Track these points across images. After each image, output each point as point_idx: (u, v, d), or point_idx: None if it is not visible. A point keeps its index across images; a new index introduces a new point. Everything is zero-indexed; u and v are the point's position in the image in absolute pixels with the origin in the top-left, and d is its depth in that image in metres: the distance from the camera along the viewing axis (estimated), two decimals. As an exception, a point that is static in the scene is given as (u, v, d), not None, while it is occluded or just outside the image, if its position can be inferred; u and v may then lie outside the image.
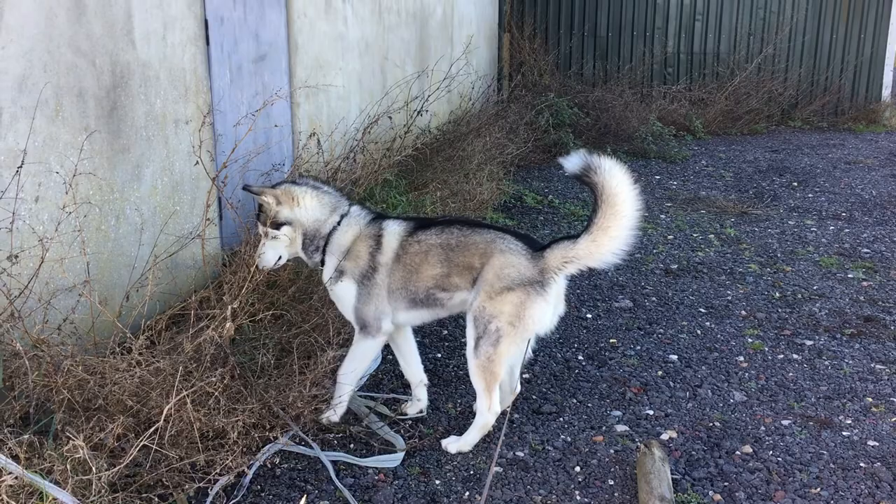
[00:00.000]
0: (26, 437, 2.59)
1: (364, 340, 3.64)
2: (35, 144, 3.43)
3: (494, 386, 3.46)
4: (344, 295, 3.64)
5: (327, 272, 3.67)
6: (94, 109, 3.80)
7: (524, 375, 4.28)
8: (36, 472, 2.48)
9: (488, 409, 3.49)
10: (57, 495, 2.37)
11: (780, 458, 3.52)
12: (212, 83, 4.79)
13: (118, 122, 3.98)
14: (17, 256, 3.14)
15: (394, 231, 3.62)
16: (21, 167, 3.29)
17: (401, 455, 3.47)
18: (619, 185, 3.33)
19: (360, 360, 3.67)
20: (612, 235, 3.35)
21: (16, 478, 2.40)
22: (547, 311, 3.44)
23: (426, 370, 3.97)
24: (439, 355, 4.51)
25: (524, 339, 3.42)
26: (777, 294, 5.43)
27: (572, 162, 3.41)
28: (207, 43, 4.72)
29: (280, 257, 3.74)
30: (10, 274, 3.15)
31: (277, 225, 3.65)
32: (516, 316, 3.37)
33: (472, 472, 3.41)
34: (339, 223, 3.66)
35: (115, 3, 3.91)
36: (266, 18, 5.43)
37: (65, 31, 3.59)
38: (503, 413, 3.61)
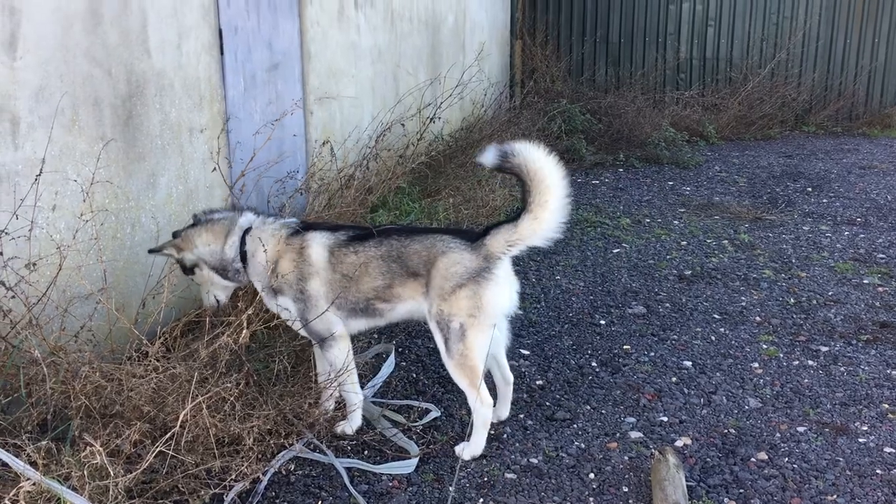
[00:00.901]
0: (44, 443, 2.62)
1: (328, 350, 3.65)
2: (52, 153, 3.47)
3: (478, 380, 3.49)
4: (285, 314, 3.66)
5: (263, 294, 3.68)
6: (109, 118, 3.83)
7: (537, 382, 4.28)
8: (53, 478, 2.50)
9: (481, 403, 3.50)
10: (74, 501, 2.39)
11: (795, 465, 3.50)
12: (226, 92, 4.83)
13: (134, 130, 4.01)
14: (35, 264, 3.17)
15: (320, 241, 3.62)
16: (39, 175, 3.33)
17: (415, 461, 3.48)
18: (539, 160, 3.40)
19: (342, 364, 3.64)
20: (551, 208, 3.42)
21: (34, 484, 2.42)
22: (502, 294, 3.49)
23: (438, 377, 3.98)
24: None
25: (489, 325, 3.45)
26: (792, 300, 5.40)
27: (488, 155, 3.47)
28: (222, 52, 4.76)
29: (216, 297, 3.80)
30: (28, 282, 3.19)
31: (190, 270, 3.73)
32: (475, 307, 3.42)
33: (486, 479, 3.41)
34: (243, 239, 3.66)
35: (131, 13, 3.95)
36: (279, 27, 5.47)
37: (81, 42, 3.63)
38: (508, 417, 3.61)
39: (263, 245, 3.60)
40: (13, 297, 3.09)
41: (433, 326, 3.51)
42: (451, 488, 3.28)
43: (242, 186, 4.49)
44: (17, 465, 2.40)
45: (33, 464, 2.54)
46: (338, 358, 3.64)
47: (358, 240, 3.63)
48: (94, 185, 3.66)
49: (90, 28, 3.68)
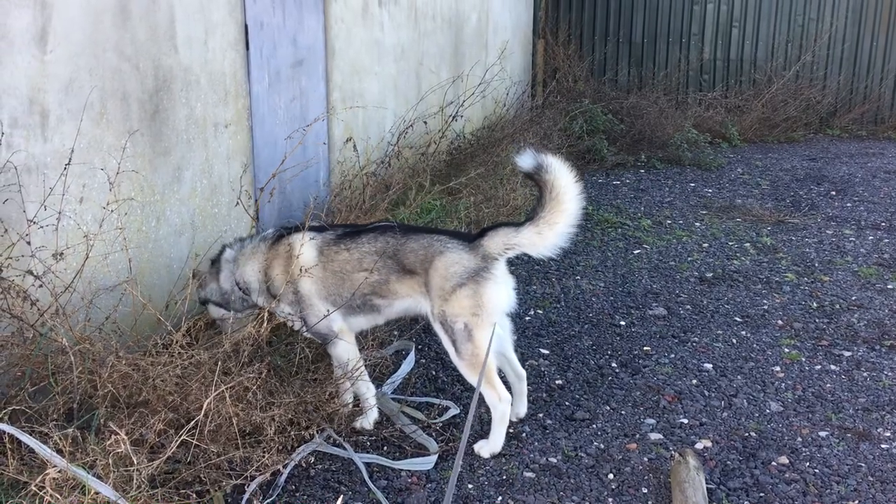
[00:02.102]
0: (70, 430, 2.65)
1: (333, 348, 3.71)
2: (80, 146, 3.51)
3: (492, 377, 3.53)
4: (287, 317, 3.73)
5: (272, 308, 3.73)
6: (137, 112, 3.87)
7: (557, 381, 4.27)
8: (79, 465, 2.53)
9: (498, 399, 3.52)
10: (99, 489, 2.41)
11: (817, 470, 3.48)
12: (251, 87, 4.86)
13: (160, 125, 4.05)
14: (62, 254, 3.21)
15: (305, 242, 3.67)
16: (68, 166, 3.37)
17: (434, 458, 3.49)
18: (567, 184, 3.45)
19: (351, 360, 3.69)
20: (558, 231, 3.47)
21: (60, 471, 2.45)
22: (502, 292, 3.53)
23: (458, 375, 3.98)
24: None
25: (492, 323, 3.46)
26: (815, 304, 5.36)
27: (526, 159, 3.49)
28: (247, 48, 4.79)
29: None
30: (55, 273, 3.22)
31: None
32: (477, 306, 3.45)
33: (504, 477, 3.41)
34: (233, 268, 3.81)
35: (159, 9, 3.98)
36: (304, 24, 5.50)
37: (110, 36, 3.67)
38: (527, 416, 3.61)
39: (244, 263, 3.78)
40: (41, 286, 3.13)
41: (438, 328, 3.55)
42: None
43: (272, 191, 4.50)
44: (45, 451, 2.44)
45: (59, 451, 2.57)
46: (342, 355, 3.70)
47: (349, 236, 3.70)
48: (121, 177, 3.70)
49: (119, 23, 3.72)
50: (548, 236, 3.47)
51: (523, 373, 3.84)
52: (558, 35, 12.18)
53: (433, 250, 3.54)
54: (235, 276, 3.81)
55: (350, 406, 3.75)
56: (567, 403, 4.05)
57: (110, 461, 2.60)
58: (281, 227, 3.97)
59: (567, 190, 3.45)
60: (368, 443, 3.64)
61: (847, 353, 4.62)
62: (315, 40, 5.67)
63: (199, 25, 4.30)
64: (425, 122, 7.10)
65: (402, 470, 3.43)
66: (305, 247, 3.66)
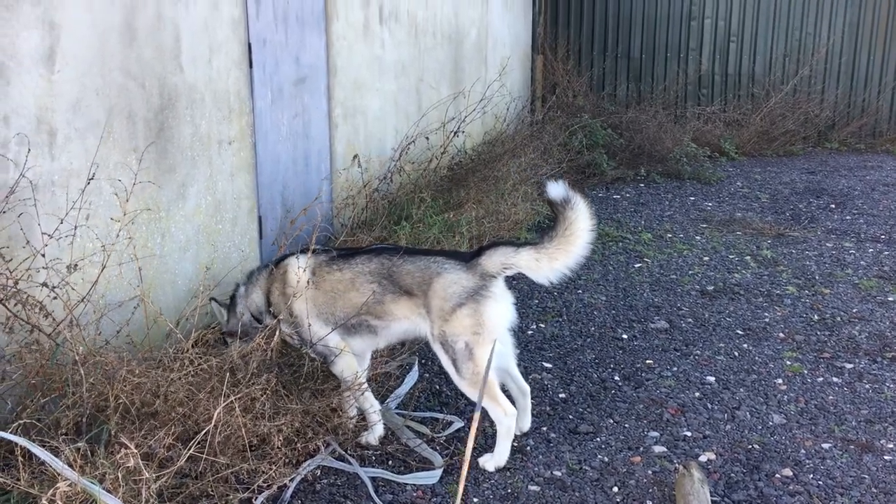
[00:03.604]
0: (81, 444, 2.67)
1: (333, 366, 3.74)
2: (87, 164, 3.54)
3: (495, 392, 3.54)
4: (289, 338, 3.79)
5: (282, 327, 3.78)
6: (142, 131, 3.91)
7: (560, 395, 4.29)
8: (90, 479, 2.55)
9: (504, 414, 3.54)
10: (109, 502, 2.43)
11: (820, 482, 3.49)
12: (254, 104, 4.90)
13: (165, 142, 4.09)
14: (76, 266, 3.25)
15: (299, 263, 3.73)
16: (88, 183, 3.41)
17: (439, 472, 3.50)
18: (581, 229, 3.50)
19: (348, 377, 3.72)
20: (554, 267, 3.51)
21: (70, 485, 2.47)
22: (502, 309, 3.56)
23: (459, 390, 3.99)
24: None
25: (492, 340, 3.47)
26: (816, 317, 5.38)
27: (557, 190, 3.52)
28: (251, 66, 4.84)
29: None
30: (71, 285, 3.25)
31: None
32: (477, 325, 3.48)
33: (509, 491, 3.43)
34: (245, 298, 3.91)
35: (165, 28, 4.03)
36: (306, 42, 5.55)
37: (117, 55, 3.72)
38: (531, 430, 3.62)
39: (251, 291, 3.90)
40: (55, 298, 3.16)
41: (437, 349, 3.56)
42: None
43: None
44: (57, 464, 2.46)
45: (70, 465, 2.59)
46: (343, 372, 3.73)
47: (343, 258, 3.74)
48: (126, 195, 3.73)
49: (126, 42, 3.77)
50: (543, 267, 3.50)
51: (527, 388, 3.86)
52: (557, 51, 12.26)
53: (430, 272, 3.56)
54: (250, 308, 3.88)
55: (355, 420, 3.77)
56: (571, 417, 4.07)
57: (120, 475, 2.62)
58: (285, 253, 4.03)
59: (580, 234, 3.48)
60: (373, 457, 3.65)
61: (849, 366, 4.64)
62: (317, 58, 5.73)
63: (204, 44, 4.35)
64: (427, 138, 7.15)
65: (407, 484, 3.45)
66: (298, 268, 3.71)
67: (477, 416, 2.30)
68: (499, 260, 3.52)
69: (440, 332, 3.51)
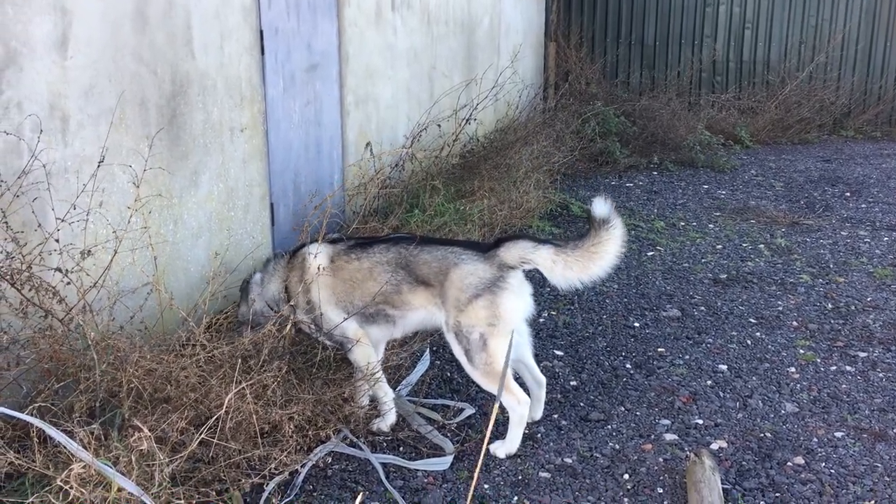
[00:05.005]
0: (95, 426, 2.70)
1: (349, 353, 3.74)
2: (100, 151, 3.56)
3: (509, 381, 3.55)
4: (305, 326, 3.78)
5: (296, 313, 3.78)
6: (155, 117, 3.92)
7: (571, 383, 4.29)
8: (104, 461, 2.57)
9: (517, 402, 3.54)
10: (123, 485, 2.45)
11: (832, 470, 3.48)
12: (266, 92, 4.90)
13: (177, 129, 4.10)
14: (89, 252, 3.27)
15: (317, 251, 3.72)
16: (98, 167, 3.42)
17: (449, 459, 3.51)
18: (611, 251, 3.48)
19: (368, 364, 3.72)
20: (568, 276, 3.51)
21: (84, 467, 2.50)
22: (519, 301, 3.54)
23: (470, 377, 4.00)
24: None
25: (508, 332, 3.45)
26: (830, 305, 5.35)
27: (601, 209, 3.49)
28: (262, 52, 4.84)
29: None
30: (85, 270, 3.27)
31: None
32: (493, 316, 3.46)
33: (520, 478, 3.43)
34: (260, 289, 3.90)
35: (176, 15, 4.03)
36: (318, 29, 5.54)
37: (129, 42, 3.72)
38: (542, 417, 3.62)
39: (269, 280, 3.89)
40: (68, 283, 3.18)
41: (451, 338, 3.56)
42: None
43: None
44: (72, 446, 2.48)
45: (84, 447, 2.62)
46: (359, 360, 3.73)
47: (361, 247, 3.74)
48: (139, 181, 3.75)
49: (138, 29, 3.77)
50: (557, 270, 3.49)
51: (543, 379, 3.85)
52: (570, 38, 12.19)
53: (448, 262, 3.55)
54: (265, 296, 3.88)
55: (366, 408, 3.78)
56: (582, 404, 4.06)
57: (133, 458, 2.64)
58: (302, 241, 4.03)
59: (604, 256, 3.47)
60: (384, 443, 3.66)
61: (862, 354, 4.61)
62: (329, 45, 5.72)
63: (216, 31, 4.35)
64: (439, 126, 7.13)
65: (418, 470, 3.46)
66: (317, 256, 3.70)
67: (495, 409, 2.30)
68: (517, 253, 3.50)
69: (455, 322, 3.50)
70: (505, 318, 3.47)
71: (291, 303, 3.72)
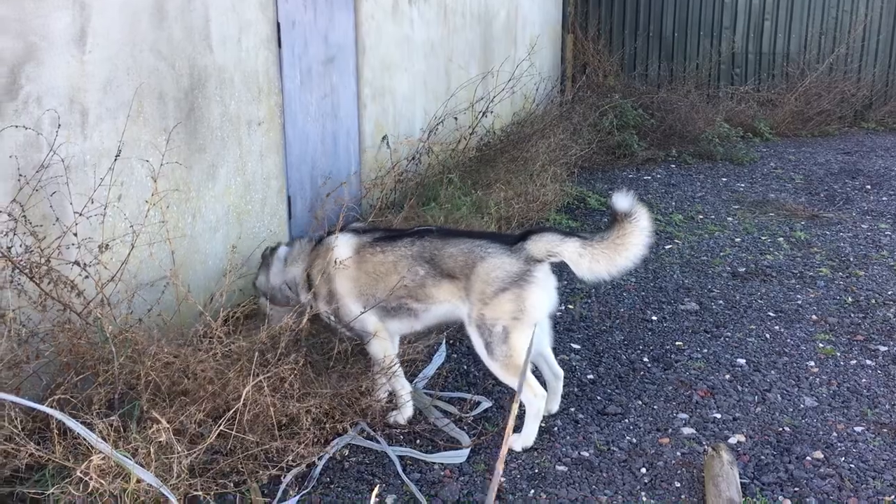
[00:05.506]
0: (114, 417, 2.72)
1: (369, 346, 3.74)
2: (118, 144, 3.58)
3: (523, 372, 3.51)
4: (325, 315, 3.77)
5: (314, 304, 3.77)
6: (173, 111, 3.94)
7: (588, 376, 4.27)
8: (123, 452, 2.59)
9: (534, 395, 3.53)
10: (142, 476, 2.48)
11: (852, 465, 3.45)
12: (283, 85, 4.91)
13: (195, 123, 4.11)
14: (107, 246, 3.29)
15: (341, 243, 3.71)
16: (115, 160, 3.45)
17: (466, 452, 3.51)
18: (637, 243, 3.46)
19: (387, 358, 3.72)
20: (595, 269, 3.48)
21: (104, 458, 2.52)
22: (544, 295, 3.52)
23: (486, 370, 3.99)
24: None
25: (531, 326, 3.44)
26: (850, 299, 5.30)
27: (623, 202, 3.48)
28: (279, 46, 4.84)
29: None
30: (104, 264, 3.29)
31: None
32: (517, 310, 3.44)
33: (536, 471, 3.43)
34: (283, 268, 3.89)
35: (194, 9, 4.04)
36: (335, 21, 5.54)
37: (147, 36, 3.74)
38: (559, 410, 3.61)
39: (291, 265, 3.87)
40: (86, 277, 3.20)
41: (472, 331, 3.54)
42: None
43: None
44: (91, 437, 2.50)
45: (103, 439, 2.64)
46: (378, 353, 3.72)
47: (387, 240, 3.71)
48: (157, 175, 3.77)
49: (156, 23, 3.79)
50: (583, 264, 3.47)
51: (560, 372, 3.84)
52: (588, 30, 12.12)
53: (474, 256, 3.52)
54: (286, 276, 3.88)
55: (384, 401, 3.78)
56: (599, 398, 4.05)
57: (152, 449, 2.66)
58: (329, 230, 4.02)
59: (630, 248, 3.45)
60: (401, 436, 3.67)
61: (883, 348, 4.56)
62: (346, 37, 5.72)
63: (233, 24, 4.36)
64: (455, 118, 7.12)
65: (434, 463, 3.46)
66: (342, 247, 3.69)
67: (516, 403, 2.30)
68: (545, 246, 3.48)
69: (479, 315, 3.48)
70: (530, 312, 3.46)
71: (312, 291, 3.71)
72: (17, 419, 2.64)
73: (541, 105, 9.53)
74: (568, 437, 3.69)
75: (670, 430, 3.74)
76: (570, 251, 3.47)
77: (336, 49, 5.59)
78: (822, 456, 3.52)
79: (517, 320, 3.44)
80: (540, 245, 3.49)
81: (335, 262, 3.67)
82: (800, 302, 5.26)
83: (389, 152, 6.22)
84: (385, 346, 3.72)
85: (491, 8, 8.75)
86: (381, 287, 3.64)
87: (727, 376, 4.26)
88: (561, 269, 5.81)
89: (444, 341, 4.44)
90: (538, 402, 3.54)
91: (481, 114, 7.36)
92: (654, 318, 5.05)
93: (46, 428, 2.80)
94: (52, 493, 2.62)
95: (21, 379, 2.94)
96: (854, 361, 4.41)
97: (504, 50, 9.17)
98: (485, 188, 6.58)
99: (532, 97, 9.35)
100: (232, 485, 2.99)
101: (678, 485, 3.33)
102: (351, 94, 5.84)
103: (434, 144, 6.69)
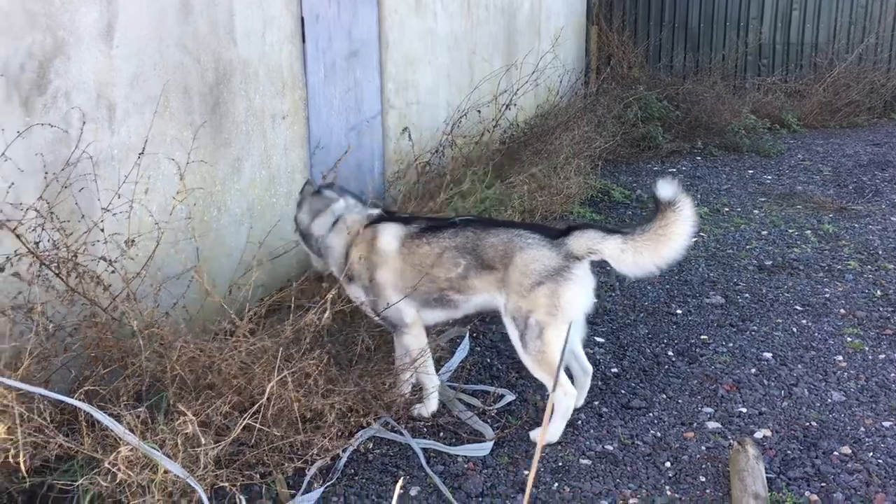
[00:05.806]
0: (142, 409, 2.76)
1: (402, 336, 3.72)
2: (145, 139, 3.61)
3: (558, 371, 3.49)
4: (357, 300, 3.74)
5: (341, 281, 3.75)
6: (198, 105, 3.97)
7: (612, 370, 4.26)
8: (150, 444, 2.63)
9: (564, 394, 3.52)
10: (169, 467, 2.51)
11: (880, 460, 3.41)
12: (307, 79, 4.93)
13: (220, 117, 4.14)
14: (133, 241, 3.32)
15: (389, 232, 3.66)
16: (140, 156, 3.48)
17: (490, 444, 3.52)
18: (681, 232, 3.39)
19: (415, 350, 3.69)
20: (640, 262, 3.42)
21: (131, 449, 2.55)
22: (581, 294, 3.47)
23: (513, 363, 4.00)
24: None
25: (565, 323, 3.41)
26: (879, 292, 5.23)
27: (666, 190, 3.42)
28: (303, 40, 4.86)
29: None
30: (130, 257, 3.33)
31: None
32: (553, 305, 3.41)
33: (560, 464, 3.43)
34: (332, 226, 3.79)
35: (219, 4, 4.07)
36: (359, 16, 5.55)
37: (173, 31, 3.77)
38: (583, 405, 3.60)
39: (336, 234, 3.78)
40: (113, 272, 3.24)
41: (508, 321, 3.53)
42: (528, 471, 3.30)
43: (334, 177, 4.56)
44: (118, 429, 2.54)
45: (131, 431, 2.68)
46: (411, 345, 3.70)
47: (431, 230, 3.66)
48: (184, 170, 3.80)
49: (181, 18, 3.81)
50: (626, 259, 3.41)
51: (590, 368, 3.83)
52: (612, 21, 12.04)
53: (514, 245, 3.50)
54: (327, 241, 3.80)
55: (407, 395, 3.79)
56: (623, 392, 4.04)
57: (179, 441, 2.69)
58: (384, 209, 3.96)
59: (674, 238, 3.38)
60: (425, 429, 3.68)
61: (913, 343, 4.51)
62: (369, 32, 5.72)
63: (257, 19, 4.38)
64: (479, 111, 7.10)
65: (458, 456, 3.47)
66: (389, 239, 3.66)
67: (551, 401, 2.29)
68: (585, 243, 3.45)
69: (515, 306, 3.47)
70: (565, 309, 3.42)
71: (347, 273, 3.68)
72: (46, 411, 2.68)
73: (565, 97, 9.48)
74: (592, 431, 3.68)
75: (695, 425, 3.72)
76: (612, 248, 3.42)
77: (360, 44, 5.59)
78: (849, 451, 3.48)
79: (552, 316, 3.42)
80: (581, 242, 3.45)
81: (382, 252, 3.63)
82: (827, 295, 5.20)
83: (412, 145, 6.22)
84: (420, 336, 3.71)
85: (514, 0, 8.72)
86: (425, 279, 3.60)
87: (753, 370, 4.23)
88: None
89: (466, 334, 4.45)
90: (568, 400, 3.53)
91: (505, 106, 7.34)
92: (678, 311, 5.02)
93: (75, 420, 2.85)
94: (81, 484, 2.67)
95: (50, 372, 2.98)
96: (883, 356, 4.36)
97: (528, 42, 9.13)
98: (508, 180, 6.56)
99: (556, 89, 9.31)
100: (258, 476, 3.02)
101: (703, 479, 3.31)
102: (374, 88, 5.85)
103: (457, 137, 6.69)
